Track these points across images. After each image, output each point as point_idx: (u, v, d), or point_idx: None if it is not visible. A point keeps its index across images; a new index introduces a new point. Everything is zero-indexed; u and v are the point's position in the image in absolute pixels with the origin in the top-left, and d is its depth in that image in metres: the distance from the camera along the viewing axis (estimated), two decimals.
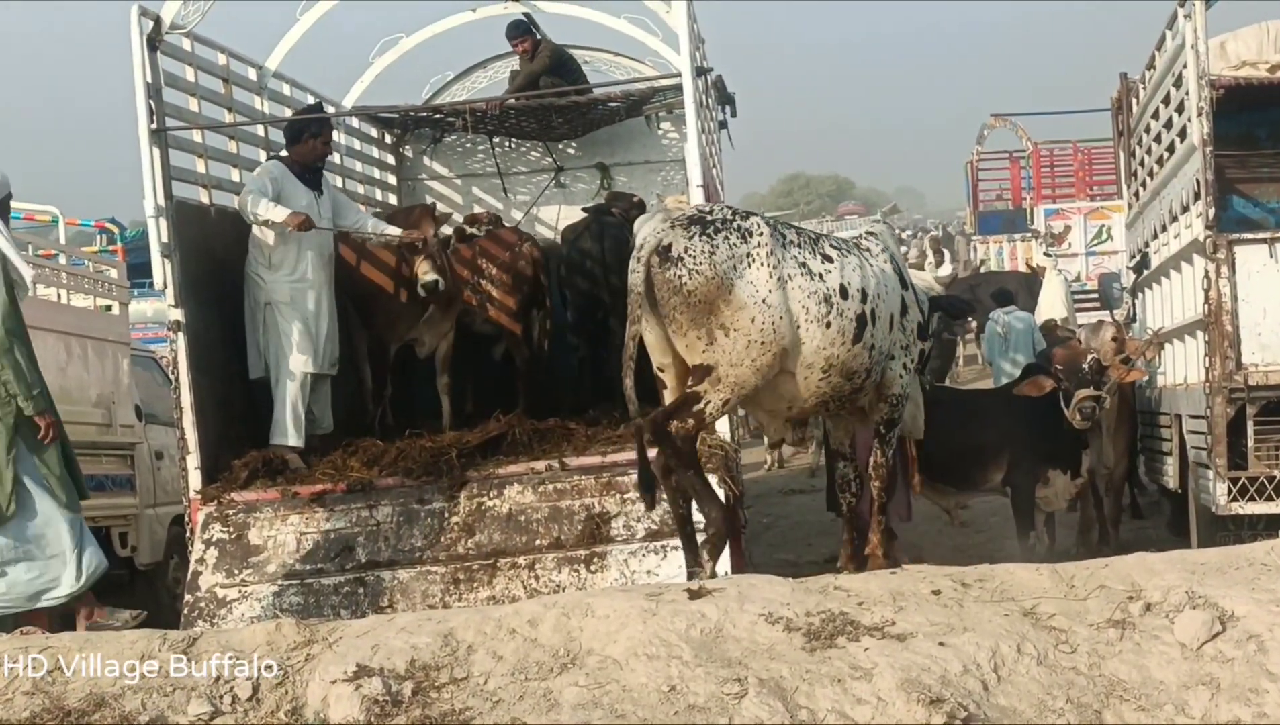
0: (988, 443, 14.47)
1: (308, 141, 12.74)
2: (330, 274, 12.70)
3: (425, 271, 12.77)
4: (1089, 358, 14.11)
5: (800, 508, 19.29)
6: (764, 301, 10.07)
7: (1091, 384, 13.88)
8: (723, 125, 15.70)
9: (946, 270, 35.33)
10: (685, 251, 9.91)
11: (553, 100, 14.33)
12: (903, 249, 48.23)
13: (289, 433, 12.33)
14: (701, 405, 9.98)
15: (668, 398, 10.27)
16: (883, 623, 8.06)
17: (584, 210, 14.91)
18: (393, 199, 15.91)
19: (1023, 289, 26.44)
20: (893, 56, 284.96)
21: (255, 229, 12.40)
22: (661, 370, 10.30)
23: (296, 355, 12.40)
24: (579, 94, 14.66)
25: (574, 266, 14.07)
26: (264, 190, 12.16)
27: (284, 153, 12.83)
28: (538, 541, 11.18)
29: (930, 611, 8.17)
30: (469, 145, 16.37)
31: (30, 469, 9.75)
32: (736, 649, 7.89)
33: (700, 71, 12.65)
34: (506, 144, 16.29)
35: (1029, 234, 37.22)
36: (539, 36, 15.35)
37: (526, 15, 15.36)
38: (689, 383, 10.05)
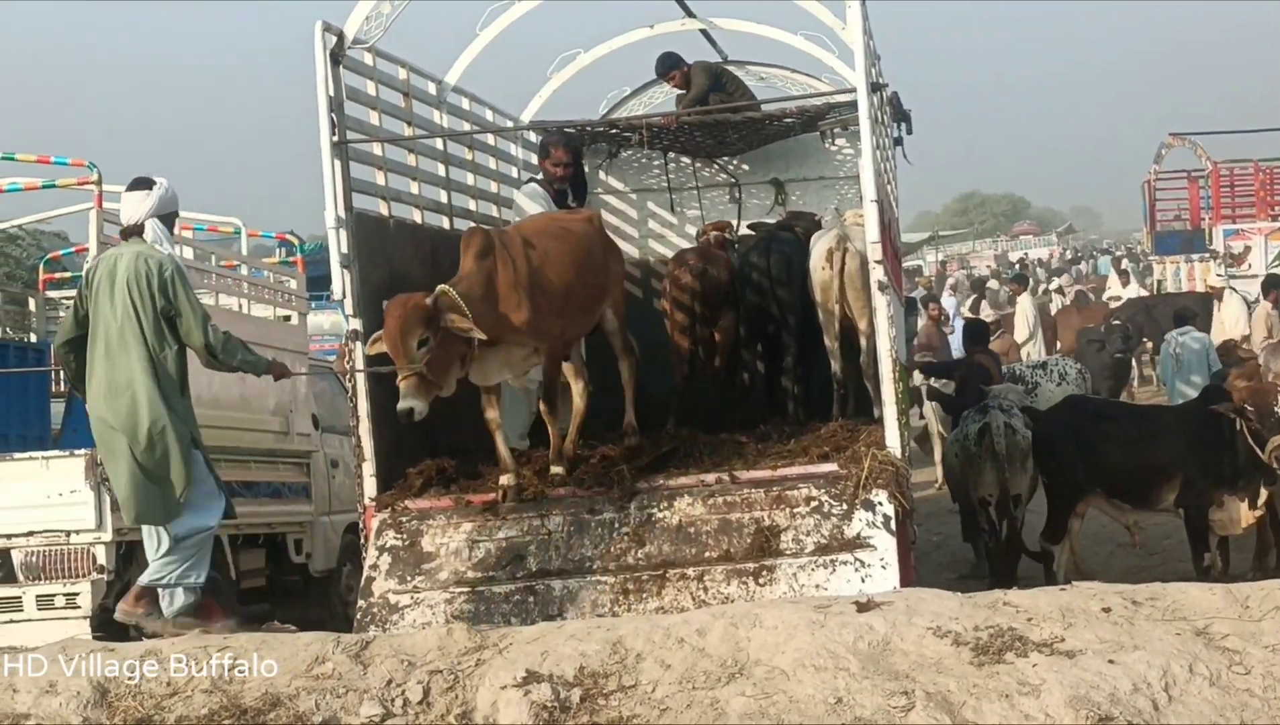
0: (1162, 461, 14.34)
1: (543, 161, 13.38)
2: None
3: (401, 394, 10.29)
4: None
5: None
6: None
7: None
8: (898, 142, 15.65)
9: (1134, 290, 35.19)
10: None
11: (728, 116, 14.36)
12: (1078, 267, 47.84)
13: None
14: None
15: None
16: (1052, 639, 8.02)
17: (763, 225, 14.88)
18: None
19: (1201, 310, 26.11)
20: (1070, 73, 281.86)
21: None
22: None
23: None
24: (753, 109, 14.70)
25: (745, 281, 14.04)
26: None
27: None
28: (707, 553, 11.15)
29: (1100, 628, 8.12)
30: (644, 160, 16.43)
31: None
32: (904, 662, 7.89)
33: (875, 87, 12.58)
34: (681, 160, 16.35)
35: (1207, 254, 36.76)
36: (687, 66, 15.41)
37: (704, 32, 15.44)
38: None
